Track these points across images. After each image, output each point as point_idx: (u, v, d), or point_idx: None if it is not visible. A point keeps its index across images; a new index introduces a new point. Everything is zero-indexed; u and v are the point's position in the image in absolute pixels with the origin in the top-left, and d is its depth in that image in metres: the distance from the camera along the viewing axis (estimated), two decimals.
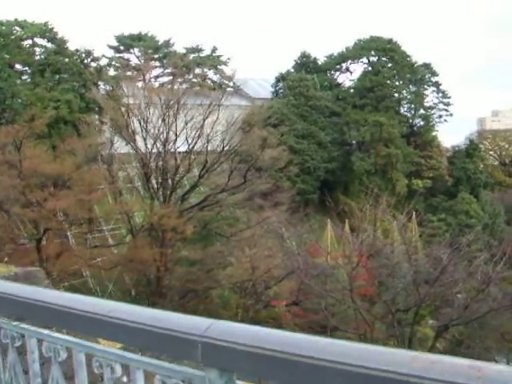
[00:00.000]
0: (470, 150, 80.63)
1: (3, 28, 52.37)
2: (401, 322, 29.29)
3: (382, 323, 29.80)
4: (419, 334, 34.44)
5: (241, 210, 44.68)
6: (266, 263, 33.55)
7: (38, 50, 55.45)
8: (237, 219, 44.20)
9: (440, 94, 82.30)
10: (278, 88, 79.38)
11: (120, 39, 69.44)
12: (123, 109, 40.75)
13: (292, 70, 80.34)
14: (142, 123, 40.32)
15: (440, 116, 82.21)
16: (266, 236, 39.97)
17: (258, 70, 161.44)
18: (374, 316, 29.02)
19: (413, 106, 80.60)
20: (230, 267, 35.11)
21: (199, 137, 40.18)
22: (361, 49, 79.35)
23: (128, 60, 69.04)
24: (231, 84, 75.46)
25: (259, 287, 34.98)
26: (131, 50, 70.24)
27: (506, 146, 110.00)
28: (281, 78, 78.68)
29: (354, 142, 74.33)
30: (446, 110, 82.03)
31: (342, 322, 32.66)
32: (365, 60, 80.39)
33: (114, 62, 67.19)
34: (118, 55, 69.73)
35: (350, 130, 72.18)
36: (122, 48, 69.97)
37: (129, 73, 57.72)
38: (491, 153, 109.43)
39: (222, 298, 40.13)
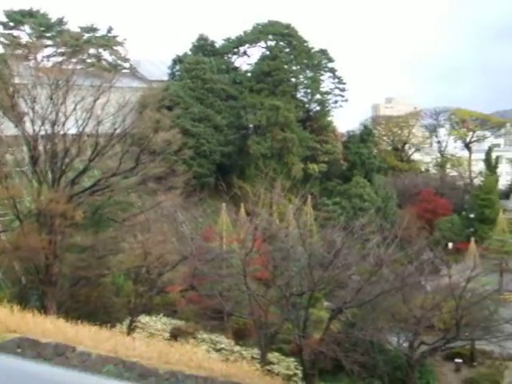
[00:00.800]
0: (365, 136, 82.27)
1: None
2: (296, 306, 29.22)
3: (276, 307, 29.64)
4: (314, 316, 34.63)
5: (134, 195, 43.50)
6: (159, 249, 32.65)
7: None
8: (130, 204, 42.97)
9: (336, 80, 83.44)
10: (174, 70, 78.18)
11: (9, 15, 65.96)
12: (11, 89, 38.55)
13: (189, 53, 79.21)
14: (30, 104, 38.32)
15: (336, 101, 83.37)
16: (161, 221, 39.03)
17: (155, 52, 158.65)
18: (268, 300, 28.81)
19: (309, 90, 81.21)
20: (122, 253, 33.99)
21: (90, 119, 38.59)
22: (259, 33, 79.15)
23: (18, 37, 65.75)
24: (127, 65, 73.60)
25: (153, 273, 34.06)
26: (21, 27, 66.89)
27: (399, 131, 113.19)
28: (178, 61, 77.51)
29: (250, 125, 74.08)
30: (342, 96, 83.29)
31: (237, 306, 32.35)
32: (262, 44, 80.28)
33: (2, 39, 63.90)
34: (6, 32, 66.27)
35: (246, 114, 71.86)
36: (11, 24, 66.54)
37: (19, 51, 54.90)
38: (384, 138, 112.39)
39: (115, 285, 39.03)
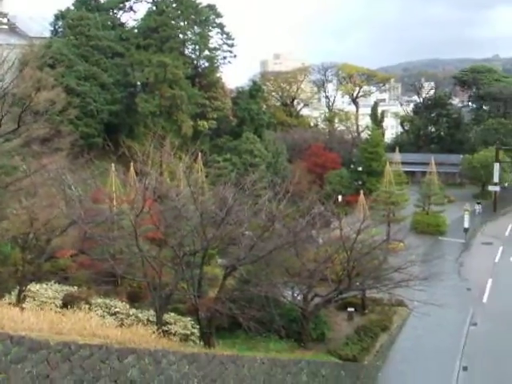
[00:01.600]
0: (254, 92, 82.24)
1: None
2: (190, 265, 28.96)
3: (170, 267, 29.26)
4: (209, 274, 34.57)
5: (18, 158, 41.51)
6: (46, 213, 31.31)
7: None
8: (14, 167, 40.99)
9: (224, 36, 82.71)
10: (57, 27, 74.93)
11: None
12: None
13: (72, 8, 76.03)
14: None
15: (224, 57, 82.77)
16: (47, 184, 37.44)
17: (35, 6, 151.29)
18: (161, 261, 28.37)
19: (197, 47, 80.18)
20: (7, 220, 32.41)
21: None
22: None
23: None
24: (4, 21, 69.89)
25: (41, 239, 32.75)
26: None
27: (287, 87, 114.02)
28: (60, 16, 74.32)
29: (138, 83, 72.47)
30: (230, 52, 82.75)
31: (130, 269, 31.72)
32: None
33: None
34: None
35: (133, 71, 70.18)
36: None
37: None
38: (273, 94, 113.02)
39: (2, 254, 37.39)
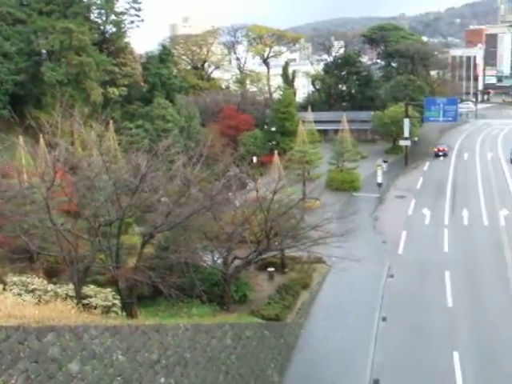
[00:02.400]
0: (164, 56, 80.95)
1: None
2: (106, 235, 28.41)
3: (87, 239, 28.63)
4: (127, 243, 34.08)
5: None
6: None
7: None
8: None
9: (131, 0, 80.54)
10: None
11: None
12: None
13: None
14: None
15: (132, 22, 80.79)
16: None
17: None
18: (77, 233, 27.70)
19: (103, 11, 77.90)
20: None
21: None
22: None
23: None
24: None
25: None
26: None
27: (198, 50, 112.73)
28: None
29: (43, 51, 69.73)
30: (138, 16, 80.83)
31: (45, 244, 30.91)
32: None
33: None
34: None
35: (37, 39, 67.49)
36: None
37: None
38: (184, 57, 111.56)
39: None
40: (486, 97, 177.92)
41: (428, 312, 35.25)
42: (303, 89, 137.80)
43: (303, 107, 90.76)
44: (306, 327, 33.30)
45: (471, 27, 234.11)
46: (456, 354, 29.90)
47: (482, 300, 36.94)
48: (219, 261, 33.06)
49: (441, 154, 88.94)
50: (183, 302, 29.95)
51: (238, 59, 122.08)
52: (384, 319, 34.20)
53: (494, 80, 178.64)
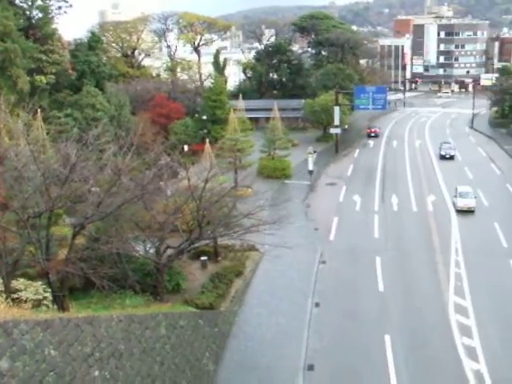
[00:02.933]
0: (93, 43, 79.28)
1: None
2: (36, 227, 27.76)
3: (15, 232, 27.90)
4: (57, 235, 33.39)
5: None
6: None
7: None
8: None
9: None
10: None
11: None
12: None
13: None
14: None
15: (59, 7, 78.43)
16: None
17: None
18: (4, 226, 26.95)
19: None
20: None
21: None
22: None
23: None
24: None
25: None
26: None
27: (128, 37, 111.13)
28: None
29: None
30: (66, 1, 78.58)
31: None
32: None
33: None
34: None
35: None
36: None
37: None
38: (113, 45, 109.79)
39: None
40: (413, 85, 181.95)
41: (360, 297, 35.94)
42: (234, 77, 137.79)
43: (234, 95, 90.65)
44: (240, 315, 33.44)
45: (399, 17, 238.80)
46: (387, 337, 30.61)
47: (412, 284, 37.91)
48: (151, 250, 32.78)
49: (373, 135, 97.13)
50: (116, 293, 29.62)
51: (168, 47, 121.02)
52: (317, 305, 34.67)
53: (421, 69, 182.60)
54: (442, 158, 76.37)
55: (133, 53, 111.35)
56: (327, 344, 30.41)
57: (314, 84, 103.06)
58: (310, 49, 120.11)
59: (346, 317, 33.30)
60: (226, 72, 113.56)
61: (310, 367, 28.18)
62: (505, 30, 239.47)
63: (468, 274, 38.87)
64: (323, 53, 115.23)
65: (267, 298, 35.45)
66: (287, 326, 31.76)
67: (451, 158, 76.15)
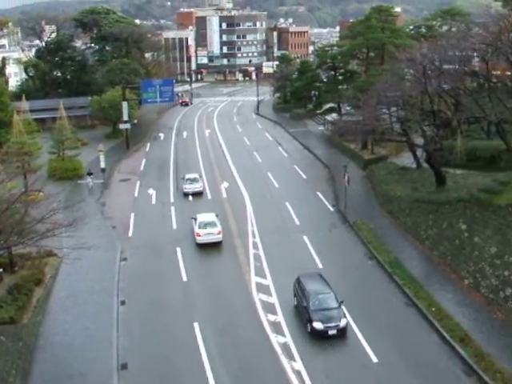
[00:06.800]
0: None
1: None
2: None
3: None
4: None
5: None
6: None
7: None
8: None
9: None
10: None
11: None
12: None
13: None
14: None
15: None
16: None
17: None
18: None
19: None
20: None
21: None
22: None
23: None
24: None
25: None
26: None
27: None
28: None
29: None
30: None
31: None
32: None
33: None
34: None
35: None
36: None
37: None
38: None
39: None
40: (199, 76, 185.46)
41: (165, 289, 36.27)
42: (16, 77, 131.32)
43: (17, 96, 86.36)
44: (45, 325, 32.14)
45: (182, 10, 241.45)
46: (196, 325, 31.24)
47: (214, 270, 39.00)
48: None
49: (184, 104, 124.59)
50: None
51: None
52: (123, 303, 34.41)
53: (206, 60, 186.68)
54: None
55: None
56: (137, 340, 30.36)
57: (100, 80, 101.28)
58: (93, 44, 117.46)
59: (152, 310, 33.46)
60: (6, 72, 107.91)
61: (124, 366, 27.96)
62: (281, 20, 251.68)
63: (266, 254, 40.78)
64: (107, 48, 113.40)
65: (71, 303, 34.49)
66: (95, 329, 31.19)
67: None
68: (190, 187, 56.92)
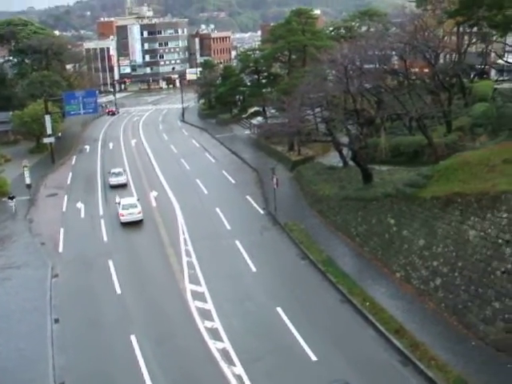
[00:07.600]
0: None
1: None
2: None
3: None
4: None
5: None
6: None
7: None
8: None
9: None
10: None
11: None
12: None
13: None
14: None
15: None
16: None
17: None
18: None
19: None
20: None
21: None
22: None
23: None
24: None
25: None
26: None
27: None
28: None
29: None
30: None
31: None
32: None
33: None
34: None
35: None
36: None
37: None
38: None
39: None
40: (123, 86, 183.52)
41: (99, 303, 35.65)
42: None
43: None
44: None
45: (102, 20, 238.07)
46: (133, 337, 30.82)
47: (148, 281, 38.56)
48: None
49: (111, 113, 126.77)
50: None
51: None
52: (56, 321, 33.59)
53: (128, 69, 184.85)
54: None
55: None
56: (74, 358, 29.68)
57: (21, 94, 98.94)
58: (12, 57, 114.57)
59: (87, 326, 32.80)
60: None
61: None
62: (203, 26, 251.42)
63: (199, 261, 40.67)
64: (27, 61, 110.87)
65: (2, 324, 33.41)
66: (29, 350, 30.36)
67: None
68: (114, 180, 63.74)
